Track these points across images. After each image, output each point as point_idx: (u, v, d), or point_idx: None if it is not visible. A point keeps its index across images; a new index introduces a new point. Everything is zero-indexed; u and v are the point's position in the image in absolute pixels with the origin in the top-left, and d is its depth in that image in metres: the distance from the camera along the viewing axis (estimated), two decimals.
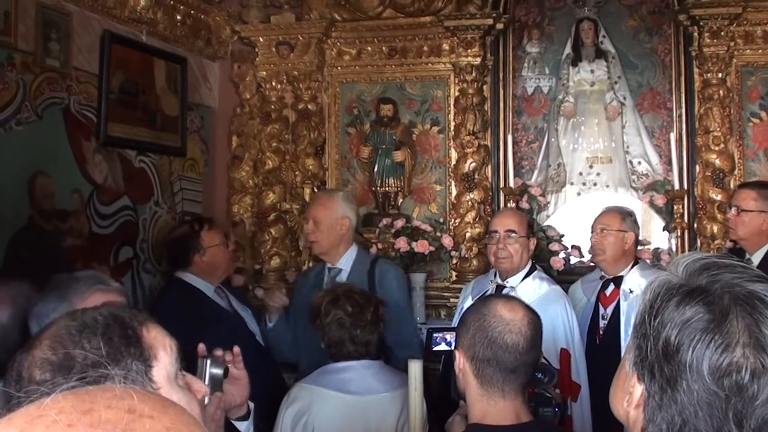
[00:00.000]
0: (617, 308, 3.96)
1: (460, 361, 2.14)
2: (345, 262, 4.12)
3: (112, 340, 1.24)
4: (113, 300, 2.16)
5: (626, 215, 4.07)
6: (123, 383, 0.84)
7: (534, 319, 2.16)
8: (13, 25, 4.08)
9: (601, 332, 3.98)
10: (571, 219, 5.56)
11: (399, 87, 5.75)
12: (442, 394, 3.09)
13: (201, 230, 4.14)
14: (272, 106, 5.79)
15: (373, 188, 5.72)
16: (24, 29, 4.15)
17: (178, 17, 5.46)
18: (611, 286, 4.04)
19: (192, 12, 5.61)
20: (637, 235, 4.09)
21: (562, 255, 5.28)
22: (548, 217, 5.60)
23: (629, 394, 1.25)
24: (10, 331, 2.14)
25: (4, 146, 4.04)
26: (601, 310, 4.03)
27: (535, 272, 3.84)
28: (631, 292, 3.90)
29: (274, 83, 5.79)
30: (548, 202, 5.64)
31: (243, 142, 5.90)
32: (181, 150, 5.49)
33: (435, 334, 4.16)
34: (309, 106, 5.74)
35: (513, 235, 3.89)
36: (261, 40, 5.76)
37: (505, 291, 3.74)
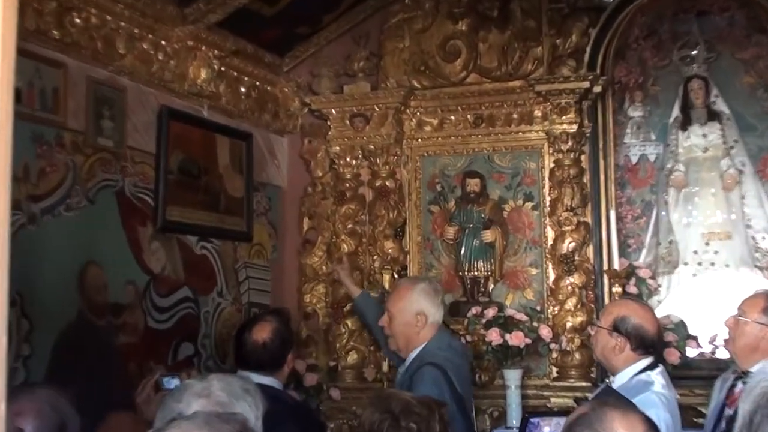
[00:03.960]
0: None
1: None
2: (408, 360, 4.04)
3: None
4: None
5: None
6: None
7: None
8: (62, 101, 4.01)
9: None
10: (687, 304, 5.31)
11: (487, 159, 5.62)
12: None
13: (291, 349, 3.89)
14: (347, 184, 5.72)
15: (460, 273, 5.53)
16: (74, 106, 4.10)
17: (242, 90, 5.46)
18: (739, 384, 3.68)
19: (257, 83, 5.60)
20: None
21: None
22: (660, 302, 5.33)
23: None
24: None
25: (52, 234, 3.97)
26: (726, 410, 3.70)
27: (649, 372, 3.49)
28: None
29: (348, 159, 5.71)
30: (659, 286, 5.41)
31: (315, 225, 5.86)
32: (247, 234, 5.45)
33: (532, 419, 3.93)
34: (387, 183, 5.65)
35: (595, 322, 3.79)
36: (333, 112, 5.71)
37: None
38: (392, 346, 4.15)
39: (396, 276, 5.50)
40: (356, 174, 5.75)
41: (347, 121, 5.70)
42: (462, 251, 5.55)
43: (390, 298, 4.23)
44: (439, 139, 5.70)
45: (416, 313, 4.01)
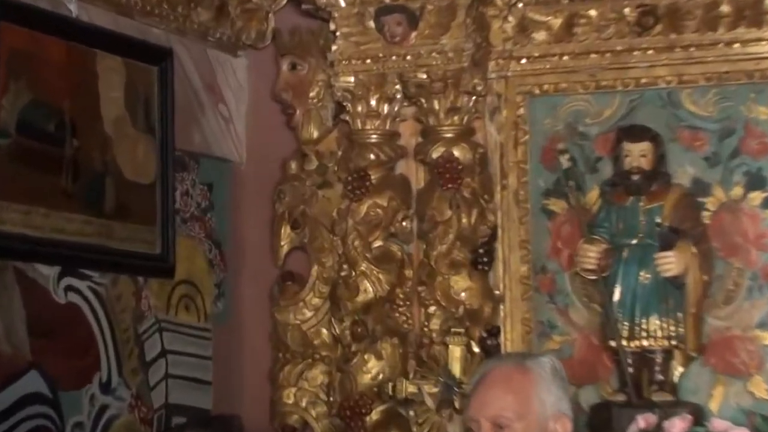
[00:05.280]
0: None
1: None
2: None
3: None
4: None
5: None
6: None
7: None
8: None
9: None
10: None
11: (666, 101, 5.58)
12: None
13: None
14: (371, 156, 5.65)
15: (612, 342, 5.46)
16: None
17: None
18: None
19: None
20: None
21: None
22: None
23: None
24: None
25: None
26: None
27: None
28: None
29: (373, 102, 5.63)
30: None
31: (306, 241, 5.87)
32: (164, 262, 5.57)
33: None
34: (456, 154, 5.54)
35: None
36: (342, 3, 5.62)
37: None
38: None
39: (477, 350, 5.43)
40: (390, 134, 5.70)
41: (370, 24, 5.61)
42: (616, 295, 5.49)
43: (492, 396, 4.01)
44: (565, 58, 5.64)
45: (554, 418, 3.97)
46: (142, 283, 5.41)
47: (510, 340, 5.56)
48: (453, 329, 5.42)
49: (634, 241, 5.46)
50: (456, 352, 5.36)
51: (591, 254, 5.47)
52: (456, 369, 5.34)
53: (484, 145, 5.64)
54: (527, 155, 5.66)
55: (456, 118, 5.55)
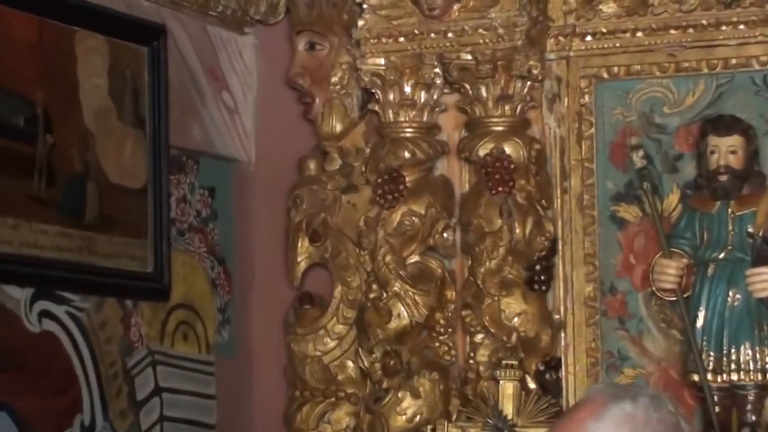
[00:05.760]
0: None
1: None
2: None
3: None
4: None
5: None
6: None
7: None
8: None
9: None
10: None
11: (760, 85, 5.59)
12: None
13: None
14: (405, 154, 5.69)
15: (695, 376, 5.45)
16: None
17: None
18: None
19: None
20: None
21: None
22: None
23: None
24: None
25: None
26: None
27: None
28: None
29: (408, 89, 5.68)
30: None
31: (327, 256, 5.92)
32: (156, 282, 5.60)
33: None
34: (507, 150, 5.55)
35: None
36: None
37: None
38: None
39: (533, 386, 5.46)
40: (429, 126, 5.73)
41: None
42: (700, 320, 5.48)
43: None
44: (638, 35, 5.65)
45: None
46: (131, 307, 5.42)
47: (572, 374, 5.58)
48: (504, 361, 5.41)
49: (722, 255, 5.44)
50: (508, 388, 5.35)
51: (670, 271, 5.44)
52: (508, 409, 5.33)
53: (542, 141, 5.65)
54: (593, 152, 5.68)
55: (507, 107, 5.56)
